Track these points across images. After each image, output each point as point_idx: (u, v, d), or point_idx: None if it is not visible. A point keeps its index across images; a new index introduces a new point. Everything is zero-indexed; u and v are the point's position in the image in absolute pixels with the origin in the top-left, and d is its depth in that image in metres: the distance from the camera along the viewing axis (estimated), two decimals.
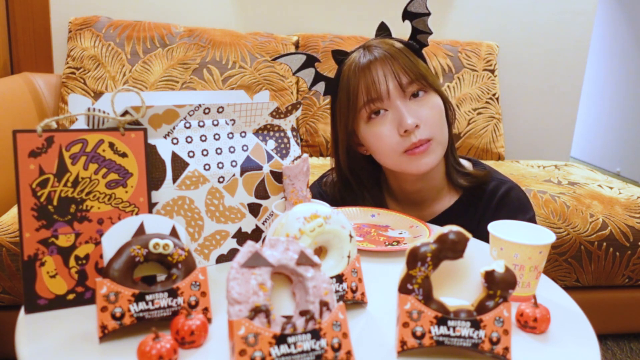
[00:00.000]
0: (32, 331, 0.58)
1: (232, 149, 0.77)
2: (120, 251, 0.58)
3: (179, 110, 0.72)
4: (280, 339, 0.50)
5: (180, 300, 0.59)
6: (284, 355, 0.49)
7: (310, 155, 1.97)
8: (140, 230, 0.62)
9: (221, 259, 0.78)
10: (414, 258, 0.56)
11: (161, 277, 0.62)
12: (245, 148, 0.78)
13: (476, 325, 0.55)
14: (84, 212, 0.64)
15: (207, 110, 0.74)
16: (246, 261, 0.52)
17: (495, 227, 0.71)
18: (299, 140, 0.83)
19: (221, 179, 0.76)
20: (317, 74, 0.96)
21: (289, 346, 0.50)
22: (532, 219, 0.99)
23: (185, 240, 0.65)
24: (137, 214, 0.67)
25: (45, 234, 0.62)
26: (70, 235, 0.63)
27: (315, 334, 0.51)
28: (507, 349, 0.55)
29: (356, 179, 1.03)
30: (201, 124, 0.74)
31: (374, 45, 0.94)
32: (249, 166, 0.78)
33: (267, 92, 0.87)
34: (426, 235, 0.87)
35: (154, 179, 0.70)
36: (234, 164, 0.76)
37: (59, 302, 0.63)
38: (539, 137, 2.42)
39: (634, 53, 4.01)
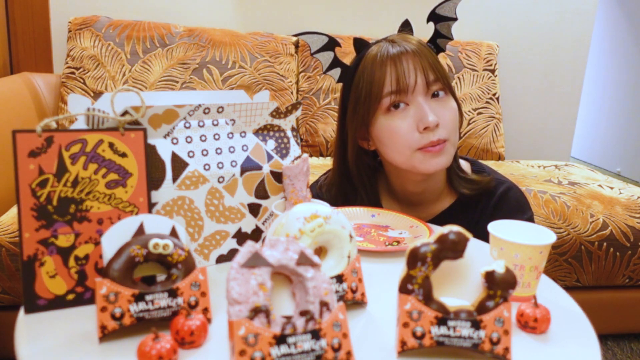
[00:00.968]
0: (31, 331, 0.58)
1: (232, 149, 0.76)
2: (120, 251, 0.58)
3: (178, 110, 0.72)
4: (280, 339, 0.49)
5: (180, 300, 0.59)
6: (284, 355, 0.49)
7: (310, 155, 1.97)
8: (140, 230, 0.62)
9: (221, 259, 0.78)
10: (414, 258, 0.56)
11: (161, 278, 0.62)
12: (245, 148, 0.78)
13: (476, 325, 0.55)
14: (83, 212, 0.64)
15: (207, 110, 0.74)
16: (246, 261, 0.52)
17: (496, 227, 0.71)
18: (299, 140, 0.83)
19: (221, 179, 0.75)
20: (336, 58, 0.95)
21: (289, 346, 0.50)
22: (530, 219, 0.98)
23: (185, 240, 0.64)
24: (136, 214, 0.67)
25: (45, 234, 0.62)
26: (69, 236, 0.63)
27: (315, 334, 0.51)
28: (507, 349, 0.55)
29: (358, 175, 1.02)
30: (201, 124, 0.74)
31: (401, 39, 0.93)
32: (249, 166, 0.78)
33: (267, 92, 0.87)
34: (426, 235, 0.87)
35: (154, 179, 0.70)
36: (233, 164, 0.76)
37: (58, 303, 0.63)
38: (539, 137, 2.42)
39: (635, 53, 4.01)
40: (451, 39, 0.96)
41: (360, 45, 0.96)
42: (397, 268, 0.74)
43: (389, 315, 0.64)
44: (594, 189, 1.67)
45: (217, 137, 0.76)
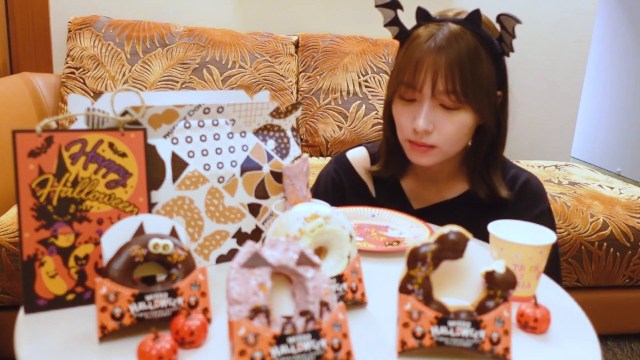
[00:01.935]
0: (31, 331, 0.58)
1: (232, 149, 0.76)
2: (120, 251, 0.58)
3: (178, 110, 0.72)
4: (280, 339, 0.49)
5: (180, 300, 0.58)
6: (284, 355, 0.49)
7: (310, 155, 1.97)
8: (140, 230, 0.62)
9: (221, 259, 0.78)
10: (414, 258, 0.56)
11: (161, 278, 0.62)
12: (245, 148, 0.78)
13: (476, 325, 0.55)
14: (83, 212, 0.64)
15: (207, 110, 0.74)
16: (246, 261, 0.52)
17: (496, 227, 0.71)
18: (299, 140, 0.83)
19: (221, 179, 0.75)
20: (396, 17, 0.95)
21: (289, 346, 0.50)
22: (548, 209, 1.01)
23: (185, 240, 0.64)
24: (136, 214, 0.67)
25: (45, 234, 0.62)
26: (69, 236, 0.63)
27: (315, 334, 0.51)
28: (507, 350, 0.55)
29: (390, 134, 1.01)
30: (201, 124, 0.74)
31: (452, 37, 0.88)
32: (248, 166, 0.78)
33: (267, 92, 0.87)
34: (426, 235, 0.87)
35: (154, 179, 0.70)
36: (233, 164, 0.76)
37: (58, 303, 0.63)
38: (539, 137, 2.42)
39: (635, 53, 4.01)
40: (513, 37, 0.95)
41: (421, 16, 0.94)
42: (397, 268, 0.74)
43: (389, 315, 0.64)
44: (594, 189, 1.67)
45: (217, 137, 0.75)
